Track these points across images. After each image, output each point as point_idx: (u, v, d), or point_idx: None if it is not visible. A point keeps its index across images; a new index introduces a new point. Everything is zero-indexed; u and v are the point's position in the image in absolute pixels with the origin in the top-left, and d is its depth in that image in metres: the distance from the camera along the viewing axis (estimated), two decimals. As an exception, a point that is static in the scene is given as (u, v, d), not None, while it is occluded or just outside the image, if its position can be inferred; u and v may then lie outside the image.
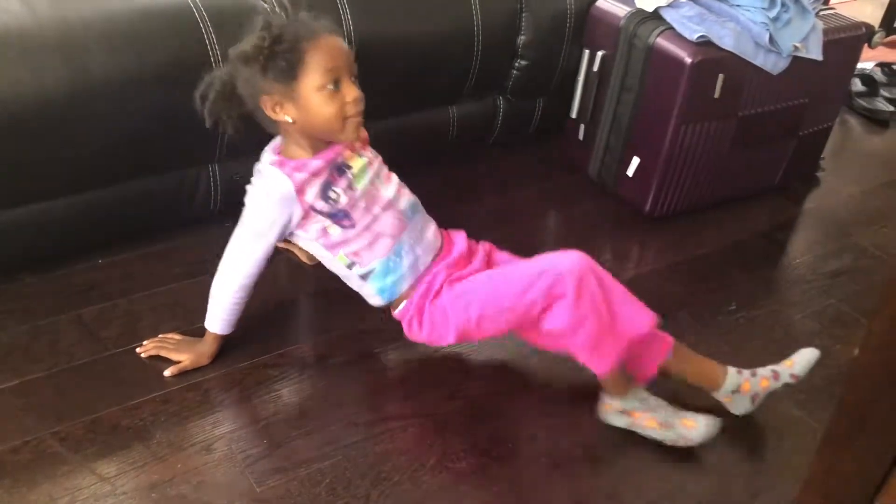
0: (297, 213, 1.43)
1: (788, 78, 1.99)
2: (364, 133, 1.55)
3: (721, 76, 1.89)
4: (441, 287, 1.46)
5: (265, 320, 1.64)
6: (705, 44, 1.87)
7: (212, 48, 1.61)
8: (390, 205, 1.48)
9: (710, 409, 1.49)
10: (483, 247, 1.57)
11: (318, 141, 1.43)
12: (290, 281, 1.77)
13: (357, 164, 1.47)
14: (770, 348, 1.74)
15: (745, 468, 1.47)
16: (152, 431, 1.40)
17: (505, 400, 1.52)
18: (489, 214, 2.03)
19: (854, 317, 1.86)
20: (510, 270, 1.44)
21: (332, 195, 1.43)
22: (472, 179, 2.16)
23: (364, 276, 1.48)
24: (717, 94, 1.91)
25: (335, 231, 1.45)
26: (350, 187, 1.45)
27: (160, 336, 1.55)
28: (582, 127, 2.16)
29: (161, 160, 1.70)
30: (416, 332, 1.49)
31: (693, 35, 1.86)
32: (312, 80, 1.33)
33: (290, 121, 1.39)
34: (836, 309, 1.88)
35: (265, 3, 1.72)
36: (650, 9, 1.95)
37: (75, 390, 1.45)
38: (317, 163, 1.42)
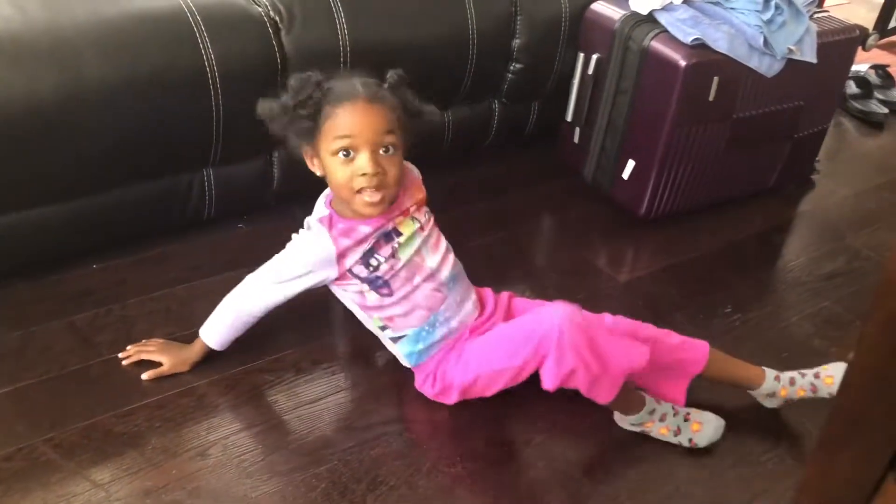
0: (333, 276, 1.41)
1: (783, 80, 1.99)
2: (421, 194, 1.49)
3: (716, 79, 1.90)
4: (461, 350, 1.46)
5: (260, 325, 1.63)
6: (700, 46, 1.87)
7: (206, 53, 1.61)
8: (432, 276, 1.44)
9: (715, 407, 1.51)
10: (502, 299, 1.55)
11: None
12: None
13: (408, 230, 1.43)
14: (766, 351, 1.74)
15: (741, 472, 1.47)
16: (147, 437, 1.39)
17: (501, 404, 1.51)
18: (485, 218, 2.03)
19: (849, 319, 1.86)
20: (504, 332, 1.43)
21: (374, 262, 1.41)
22: (468, 183, 2.16)
23: (395, 339, 1.48)
24: (711, 97, 1.92)
25: (372, 296, 1.43)
26: (394, 255, 1.41)
27: (142, 341, 1.54)
28: (577, 130, 2.16)
29: (155, 165, 1.69)
30: (428, 389, 1.48)
31: (687, 38, 1.86)
32: (326, 145, 1.32)
33: (321, 175, 1.39)
34: (830, 311, 1.89)
35: (259, 7, 1.72)
36: (644, 12, 1.95)
37: (69, 397, 1.44)
38: (366, 229, 1.39)
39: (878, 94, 2.82)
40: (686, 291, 1.90)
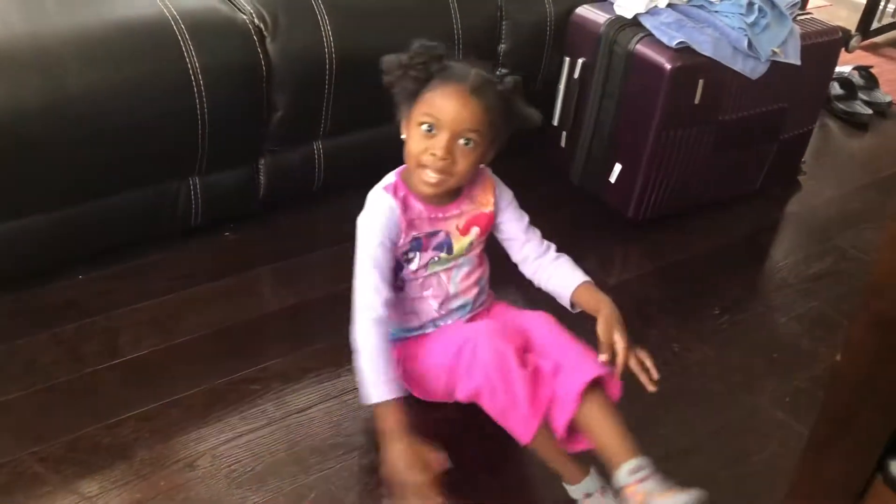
0: (400, 231, 1.36)
1: (768, 83, 2.00)
2: (488, 207, 1.44)
3: (701, 81, 1.90)
4: (424, 342, 1.44)
5: (245, 334, 1.63)
6: (685, 50, 1.88)
7: (191, 61, 1.60)
8: (444, 299, 1.43)
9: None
10: (486, 302, 1.53)
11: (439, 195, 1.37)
12: (270, 293, 1.76)
13: (458, 248, 1.41)
14: (755, 352, 1.75)
15: (732, 473, 1.46)
16: (134, 449, 1.38)
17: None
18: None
19: (836, 319, 1.86)
20: (448, 331, 1.42)
21: (411, 255, 1.39)
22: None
23: None
24: (697, 100, 1.92)
25: None
26: (426, 265, 1.40)
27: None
28: (564, 134, 2.16)
29: (140, 174, 1.68)
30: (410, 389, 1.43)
31: (672, 41, 1.87)
32: (417, 113, 1.32)
33: (403, 138, 1.37)
34: (818, 311, 1.89)
35: (244, 15, 1.71)
36: (629, 15, 1.96)
37: (54, 409, 1.43)
38: (419, 208, 1.37)
39: (861, 95, 2.84)
40: (674, 294, 1.90)
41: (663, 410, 1.57)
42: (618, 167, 2.03)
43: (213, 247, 1.84)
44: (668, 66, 1.86)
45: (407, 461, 1.18)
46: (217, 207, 1.82)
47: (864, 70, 2.92)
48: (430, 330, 1.45)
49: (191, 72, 1.60)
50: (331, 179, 1.94)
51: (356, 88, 1.83)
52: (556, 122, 2.16)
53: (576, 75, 2.06)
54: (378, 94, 1.88)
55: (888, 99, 2.88)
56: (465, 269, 1.44)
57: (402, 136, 1.36)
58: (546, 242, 1.50)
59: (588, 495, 1.34)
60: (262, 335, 1.64)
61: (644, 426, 1.53)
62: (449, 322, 1.45)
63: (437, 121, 1.29)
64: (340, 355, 1.61)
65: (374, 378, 1.26)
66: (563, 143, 2.17)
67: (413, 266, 1.40)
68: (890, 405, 0.68)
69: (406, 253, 1.39)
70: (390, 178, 1.40)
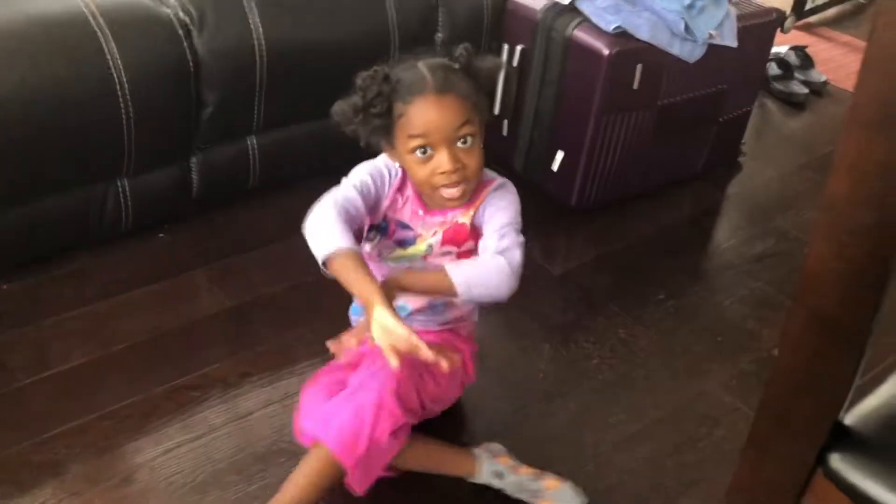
0: (382, 198, 1.29)
1: (705, 65, 2.00)
2: (466, 217, 1.30)
3: (639, 66, 1.89)
4: None
5: (182, 340, 1.58)
6: (622, 35, 1.86)
7: (112, 58, 1.54)
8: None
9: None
10: None
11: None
12: (207, 296, 1.71)
13: (415, 248, 1.31)
14: (701, 335, 1.75)
15: (679, 459, 1.47)
16: (67, 465, 1.32)
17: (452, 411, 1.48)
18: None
19: (780, 300, 1.88)
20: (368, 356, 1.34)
21: (371, 235, 1.32)
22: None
23: None
24: (636, 85, 1.91)
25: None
26: (379, 253, 1.33)
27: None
28: (505, 123, 2.13)
29: (64, 177, 1.61)
30: None
31: (609, 26, 1.85)
32: (402, 143, 1.22)
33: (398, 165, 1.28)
34: (762, 292, 1.91)
35: (168, 9, 1.65)
36: (566, 1, 1.94)
37: (-20, 427, 1.36)
38: (411, 196, 1.29)
39: (798, 75, 2.87)
40: (619, 280, 1.90)
41: (610, 398, 1.57)
42: (560, 155, 2.01)
43: (147, 249, 1.78)
44: (605, 52, 1.84)
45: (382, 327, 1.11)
46: (148, 209, 1.75)
47: (800, 50, 2.95)
48: None
49: (112, 69, 1.53)
50: (266, 176, 1.89)
51: (288, 82, 1.78)
52: (496, 111, 2.14)
53: (515, 63, 2.04)
54: (311, 88, 1.85)
55: (823, 78, 2.91)
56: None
57: (398, 166, 1.28)
58: (500, 247, 1.25)
59: (498, 475, 1.34)
60: (200, 340, 1.59)
61: (591, 414, 1.53)
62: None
63: (426, 140, 1.20)
64: (282, 358, 1.57)
65: (322, 237, 1.17)
66: (504, 132, 2.14)
67: (367, 248, 1.34)
68: (829, 398, 0.68)
69: (369, 230, 1.33)
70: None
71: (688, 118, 2.10)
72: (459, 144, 1.22)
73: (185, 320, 1.62)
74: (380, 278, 1.22)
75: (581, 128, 1.94)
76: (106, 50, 1.53)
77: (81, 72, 1.52)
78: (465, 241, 1.31)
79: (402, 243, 1.32)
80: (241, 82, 1.71)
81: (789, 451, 0.71)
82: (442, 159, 1.21)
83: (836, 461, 0.73)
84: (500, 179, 1.33)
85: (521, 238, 1.27)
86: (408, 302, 1.35)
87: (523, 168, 2.12)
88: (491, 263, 1.22)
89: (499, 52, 2.07)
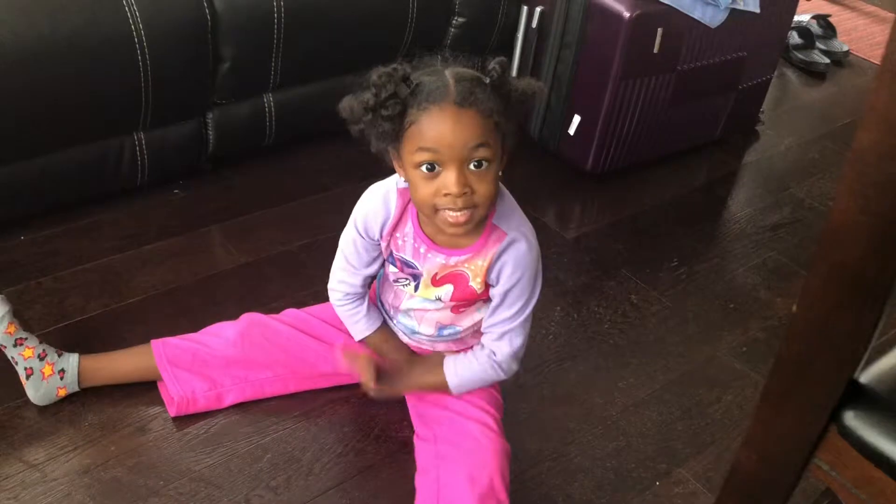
0: (385, 234, 1.23)
1: (727, 31, 1.98)
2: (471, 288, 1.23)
3: (660, 30, 1.87)
4: None
5: (197, 294, 1.59)
6: (643, -3, 1.84)
7: (130, 10, 1.53)
8: (396, 307, 1.33)
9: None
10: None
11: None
12: (222, 252, 1.72)
13: (424, 293, 1.25)
14: (713, 302, 1.75)
15: (687, 423, 1.48)
16: (83, 414, 1.34)
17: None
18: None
19: (793, 269, 1.88)
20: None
21: (392, 263, 1.27)
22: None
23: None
24: (656, 49, 1.89)
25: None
26: (397, 279, 1.28)
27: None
28: (522, 85, 2.12)
29: (81, 130, 1.61)
30: None
31: (630, -12, 1.83)
32: (408, 154, 1.10)
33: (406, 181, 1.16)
34: (776, 261, 1.90)
35: (186, -39, 1.63)
36: (587, -38, 1.91)
37: (-1, 374, 1.38)
38: (409, 231, 1.22)
39: (819, 45, 2.84)
40: (633, 246, 1.89)
41: (621, 362, 1.58)
42: (577, 119, 2.00)
43: (162, 204, 1.79)
44: (626, 15, 1.82)
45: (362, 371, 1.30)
46: (164, 164, 1.76)
47: (822, 19, 2.91)
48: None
49: (131, 22, 1.52)
50: (282, 134, 1.89)
51: (306, 39, 1.77)
52: (514, 74, 2.12)
53: (534, 24, 2.02)
54: (329, 45, 1.83)
55: (845, 48, 2.88)
56: (431, 313, 1.29)
57: (402, 179, 1.18)
58: (500, 354, 1.25)
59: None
60: (214, 295, 1.60)
61: (601, 377, 1.54)
62: (397, 320, 1.37)
63: (435, 156, 1.07)
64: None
65: (350, 326, 1.36)
66: (521, 95, 2.13)
67: (386, 270, 1.32)
68: (845, 356, 0.68)
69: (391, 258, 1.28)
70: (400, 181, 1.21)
71: (707, 84, 2.08)
72: (472, 167, 1.08)
73: (200, 275, 1.63)
74: (395, 304, 1.32)
75: (599, 92, 1.92)
76: (124, 3, 1.52)
77: (99, 25, 1.51)
78: (476, 301, 1.26)
79: (414, 278, 1.26)
80: (258, 38, 1.70)
81: (804, 407, 0.72)
82: (449, 179, 1.07)
83: (851, 419, 0.73)
84: (509, 235, 1.19)
85: (528, 313, 1.23)
86: (418, 326, 1.33)
87: (539, 132, 2.11)
88: (486, 365, 1.26)
89: (518, 14, 2.05)
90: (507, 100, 1.11)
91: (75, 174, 1.66)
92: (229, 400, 1.38)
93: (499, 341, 1.24)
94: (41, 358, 1.33)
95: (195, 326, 1.51)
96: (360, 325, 1.35)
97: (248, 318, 1.41)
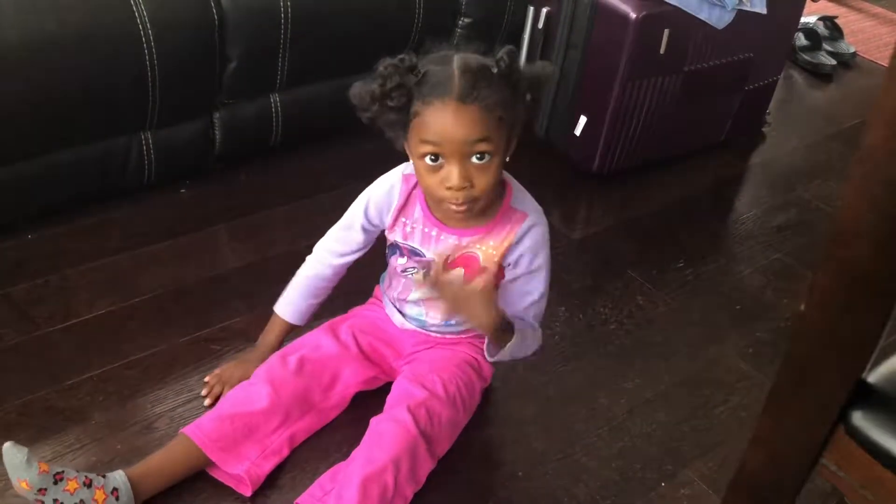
0: (385, 222, 1.28)
1: (733, 32, 1.98)
2: (499, 251, 1.25)
3: (666, 31, 1.87)
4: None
5: (203, 293, 1.59)
6: (650, -2, 1.84)
7: (137, 8, 1.53)
8: (404, 297, 1.34)
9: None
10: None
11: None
12: (228, 251, 1.72)
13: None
14: (719, 304, 1.75)
15: (693, 424, 1.47)
16: (89, 412, 1.34)
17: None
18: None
19: (800, 270, 1.87)
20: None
21: (388, 252, 1.32)
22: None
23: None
24: (662, 50, 1.89)
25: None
26: (405, 269, 1.30)
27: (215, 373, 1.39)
28: (528, 86, 2.12)
29: (88, 129, 1.62)
30: None
31: (637, -11, 1.83)
32: (414, 144, 1.14)
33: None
34: (782, 263, 1.90)
35: (194, -39, 1.64)
36: (594, -37, 1.91)
37: (5, 373, 1.38)
38: (419, 217, 1.25)
39: (826, 46, 2.83)
40: (639, 247, 1.89)
41: (627, 363, 1.57)
42: (583, 119, 2.00)
43: (169, 204, 1.79)
44: (633, 16, 1.82)
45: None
46: (171, 163, 1.76)
47: (829, 20, 2.91)
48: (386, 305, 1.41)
49: (137, 20, 1.53)
50: (289, 134, 1.89)
51: (313, 39, 1.77)
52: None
53: (540, 25, 2.02)
54: (336, 45, 1.84)
55: (852, 50, 2.87)
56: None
57: (407, 165, 1.23)
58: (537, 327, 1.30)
59: None
60: (221, 294, 1.60)
61: (607, 378, 1.54)
62: (406, 312, 1.37)
63: (437, 149, 1.11)
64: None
65: (285, 296, 1.39)
66: (527, 96, 2.13)
67: (390, 261, 1.34)
68: (853, 355, 0.68)
69: (388, 247, 1.32)
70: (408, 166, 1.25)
71: (713, 86, 2.08)
72: (474, 160, 1.12)
73: (207, 274, 1.63)
74: (403, 293, 1.33)
75: (605, 92, 1.92)
76: (132, 3, 1.53)
77: (106, 23, 1.52)
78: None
79: (424, 265, 1.27)
80: (265, 38, 1.71)
81: (811, 407, 0.72)
82: (451, 173, 1.12)
83: (858, 419, 0.73)
84: (529, 218, 1.24)
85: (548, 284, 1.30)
86: (426, 315, 1.34)
87: (545, 132, 2.11)
88: (536, 337, 1.30)
89: (524, 14, 2.05)
90: (517, 88, 1.13)
91: (82, 173, 1.66)
92: (285, 450, 1.30)
93: (532, 317, 1.30)
94: (87, 486, 1.14)
95: (201, 326, 1.52)
96: (294, 304, 1.38)
97: (265, 368, 1.32)
